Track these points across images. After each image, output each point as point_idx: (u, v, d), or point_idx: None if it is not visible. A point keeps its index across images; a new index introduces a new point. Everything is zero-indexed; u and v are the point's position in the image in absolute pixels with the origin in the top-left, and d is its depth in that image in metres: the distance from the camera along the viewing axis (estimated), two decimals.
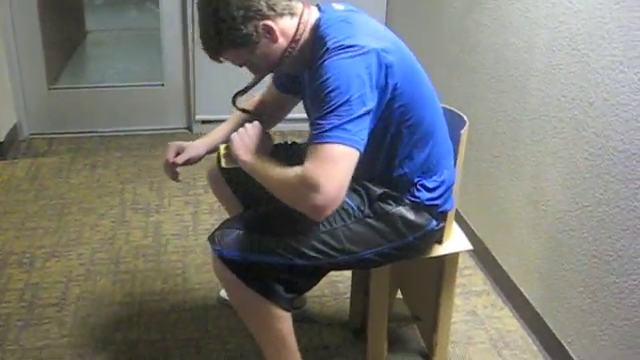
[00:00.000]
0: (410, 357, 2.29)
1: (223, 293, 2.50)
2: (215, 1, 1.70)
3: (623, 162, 1.88)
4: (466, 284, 2.67)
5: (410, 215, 1.85)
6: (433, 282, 2.14)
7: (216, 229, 1.82)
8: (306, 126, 1.73)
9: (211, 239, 1.80)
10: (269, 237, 1.76)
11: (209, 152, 2.15)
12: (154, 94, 4.12)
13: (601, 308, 2.01)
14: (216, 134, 2.16)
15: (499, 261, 2.64)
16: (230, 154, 1.85)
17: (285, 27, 1.75)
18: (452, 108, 2.06)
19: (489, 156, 2.70)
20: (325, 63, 1.62)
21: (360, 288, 2.29)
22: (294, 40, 1.76)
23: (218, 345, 2.32)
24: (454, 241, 2.09)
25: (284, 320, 1.84)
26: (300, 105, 2.09)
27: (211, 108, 4.03)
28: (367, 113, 1.62)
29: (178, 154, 2.12)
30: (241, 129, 1.86)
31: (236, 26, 1.70)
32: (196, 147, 2.14)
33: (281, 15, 1.74)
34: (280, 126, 2.28)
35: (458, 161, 2.01)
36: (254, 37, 1.72)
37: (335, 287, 2.62)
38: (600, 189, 1.99)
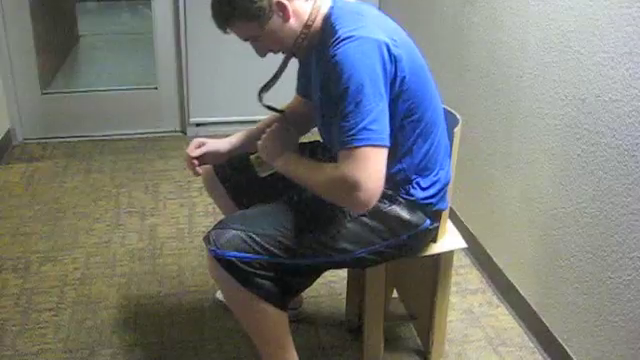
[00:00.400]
0: (407, 355, 2.29)
1: (219, 294, 2.50)
2: None
3: (616, 158, 1.89)
4: (461, 282, 2.68)
5: (404, 214, 1.86)
6: (428, 280, 2.14)
7: (211, 229, 1.83)
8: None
9: (206, 239, 1.80)
10: (264, 237, 1.76)
11: (235, 150, 2.15)
12: (148, 97, 4.11)
13: (596, 304, 2.02)
14: (242, 133, 2.18)
15: (494, 259, 2.65)
16: (262, 162, 1.91)
17: (298, 9, 1.75)
18: (445, 107, 2.06)
19: (483, 154, 2.71)
20: (337, 53, 1.63)
21: (356, 287, 2.29)
22: (306, 25, 1.76)
23: (215, 347, 2.31)
24: (449, 239, 2.09)
25: (280, 320, 1.85)
26: None
27: (205, 111, 4.03)
28: (385, 104, 1.65)
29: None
30: (263, 136, 1.90)
31: None
32: (217, 142, 2.15)
33: None
34: None
35: (452, 159, 2.01)
36: (266, 12, 1.72)
37: (331, 287, 2.62)
38: (593, 185, 2.00)
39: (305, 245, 1.78)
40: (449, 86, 2.99)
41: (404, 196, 1.85)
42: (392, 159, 1.81)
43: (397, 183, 1.85)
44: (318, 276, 1.91)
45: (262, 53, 1.84)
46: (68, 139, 3.99)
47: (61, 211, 3.20)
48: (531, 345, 2.34)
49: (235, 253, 1.74)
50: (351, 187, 1.61)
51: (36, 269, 2.74)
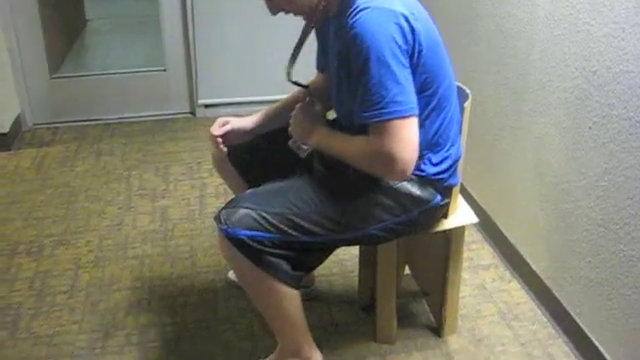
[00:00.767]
0: (419, 332, 2.29)
1: (231, 274, 2.51)
2: None
3: (628, 130, 1.87)
4: (474, 258, 2.68)
5: (415, 190, 1.85)
6: (440, 256, 2.14)
7: (222, 208, 1.83)
8: None
9: (217, 219, 1.80)
10: (275, 215, 1.77)
11: (259, 128, 2.16)
12: (156, 80, 4.11)
13: (609, 277, 2.01)
14: (263, 112, 2.19)
15: (506, 234, 2.64)
16: (300, 145, 1.94)
17: None
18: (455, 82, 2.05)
19: (493, 129, 2.69)
20: (356, 23, 1.63)
21: (368, 265, 2.29)
22: None
23: (228, 326, 2.33)
24: (460, 215, 2.09)
25: (293, 298, 1.85)
26: None
27: (214, 92, 4.03)
28: (408, 72, 1.67)
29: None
30: (291, 120, 1.94)
31: None
32: (241, 121, 2.15)
33: None
34: None
35: (462, 134, 2.00)
36: None
37: (343, 265, 2.62)
38: (605, 158, 1.98)
39: (316, 223, 1.78)
40: (458, 61, 2.95)
41: (415, 172, 1.84)
42: None
43: None
44: (330, 254, 1.91)
45: (274, 11, 1.82)
46: (78, 123, 3.99)
47: (73, 195, 3.21)
48: (544, 319, 2.34)
49: (246, 232, 1.74)
50: (387, 160, 1.65)
51: (49, 252, 2.76)
